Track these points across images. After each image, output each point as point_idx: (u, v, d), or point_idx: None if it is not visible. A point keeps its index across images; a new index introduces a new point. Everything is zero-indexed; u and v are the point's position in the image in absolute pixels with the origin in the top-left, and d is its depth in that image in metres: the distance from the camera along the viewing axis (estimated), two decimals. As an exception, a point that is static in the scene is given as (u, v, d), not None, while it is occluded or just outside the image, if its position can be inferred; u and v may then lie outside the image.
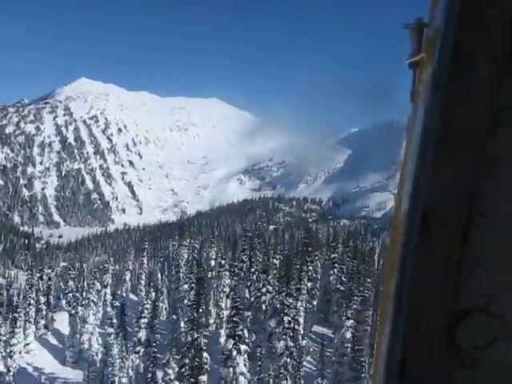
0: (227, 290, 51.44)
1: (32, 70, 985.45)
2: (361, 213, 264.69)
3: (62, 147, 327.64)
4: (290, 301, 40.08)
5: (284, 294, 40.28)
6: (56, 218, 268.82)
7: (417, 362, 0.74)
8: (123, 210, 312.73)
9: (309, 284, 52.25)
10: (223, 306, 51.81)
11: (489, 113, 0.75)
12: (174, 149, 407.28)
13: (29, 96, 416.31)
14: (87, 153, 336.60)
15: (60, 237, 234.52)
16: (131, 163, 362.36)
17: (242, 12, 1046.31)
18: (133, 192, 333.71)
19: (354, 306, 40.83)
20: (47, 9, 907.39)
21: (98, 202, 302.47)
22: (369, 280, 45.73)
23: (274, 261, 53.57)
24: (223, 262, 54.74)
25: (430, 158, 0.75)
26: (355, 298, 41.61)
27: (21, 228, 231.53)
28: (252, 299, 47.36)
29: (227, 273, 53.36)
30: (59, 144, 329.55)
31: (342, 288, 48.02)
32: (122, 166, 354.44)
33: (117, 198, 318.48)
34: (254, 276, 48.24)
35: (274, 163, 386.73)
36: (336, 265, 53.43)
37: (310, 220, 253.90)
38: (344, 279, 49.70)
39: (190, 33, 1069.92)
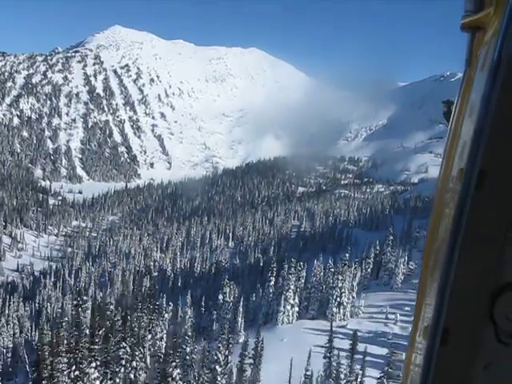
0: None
1: (68, 17, 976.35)
2: (400, 176, 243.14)
3: (89, 98, 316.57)
4: None
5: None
6: (79, 171, 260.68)
7: (459, 332, 0.73)
8: (151, 165, 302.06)
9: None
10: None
11: None
12: (209, 101, 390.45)
13: (64, 45, 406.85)
14: (116, 104, 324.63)
15: (80, 192, 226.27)
16: (162, 115, 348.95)
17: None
18: (162, 145, 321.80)
19: None
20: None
21: (126, 155, 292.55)
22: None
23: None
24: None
25: (489, 125, 0.71)
26: None
27: (42, 182, 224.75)
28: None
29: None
30: (87, 94, 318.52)
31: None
32: (153, 118, 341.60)
33: (145, 152, 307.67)
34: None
35: (314, 118, 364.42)
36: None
37: (343, 183, 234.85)
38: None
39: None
